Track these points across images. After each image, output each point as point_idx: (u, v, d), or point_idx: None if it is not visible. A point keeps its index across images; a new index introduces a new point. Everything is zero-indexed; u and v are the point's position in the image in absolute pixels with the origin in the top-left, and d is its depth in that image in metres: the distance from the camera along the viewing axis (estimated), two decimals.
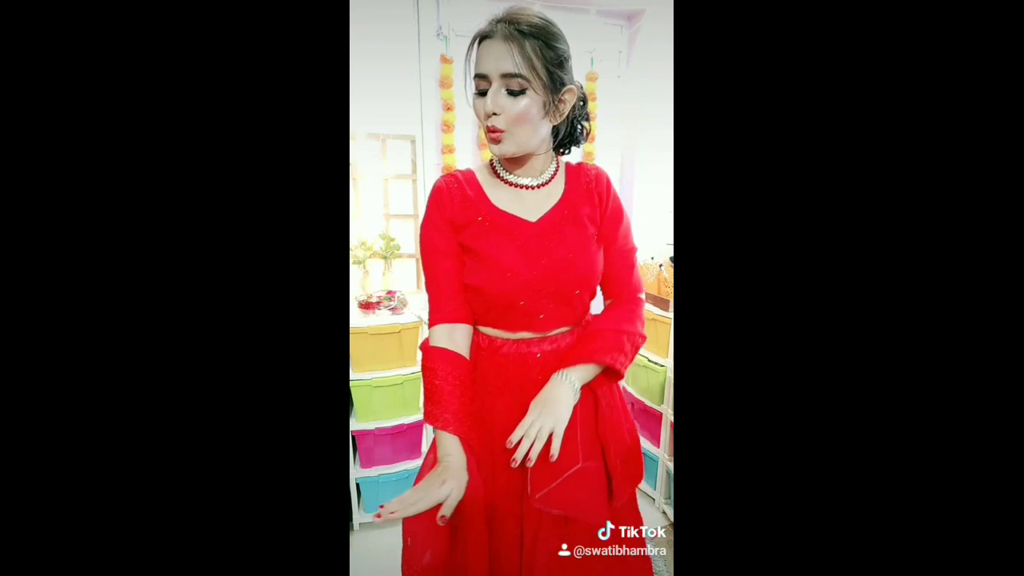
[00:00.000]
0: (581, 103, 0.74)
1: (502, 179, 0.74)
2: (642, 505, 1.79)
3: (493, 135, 0.66)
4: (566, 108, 0.69)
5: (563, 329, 0.76)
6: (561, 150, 0.77)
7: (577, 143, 0.77)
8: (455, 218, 0.71)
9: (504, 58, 0.62)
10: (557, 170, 0.76)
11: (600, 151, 2.02)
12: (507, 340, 0.74)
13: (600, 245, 0.75)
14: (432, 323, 0.74)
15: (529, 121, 0.65)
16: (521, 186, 0.73)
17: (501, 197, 0.73)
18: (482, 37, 0.65)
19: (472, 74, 0.66)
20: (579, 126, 0.76)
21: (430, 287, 0.74)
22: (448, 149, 1.78)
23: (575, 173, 0.77)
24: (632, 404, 1.82)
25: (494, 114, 0.64)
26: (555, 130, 0.73)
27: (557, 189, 0.75)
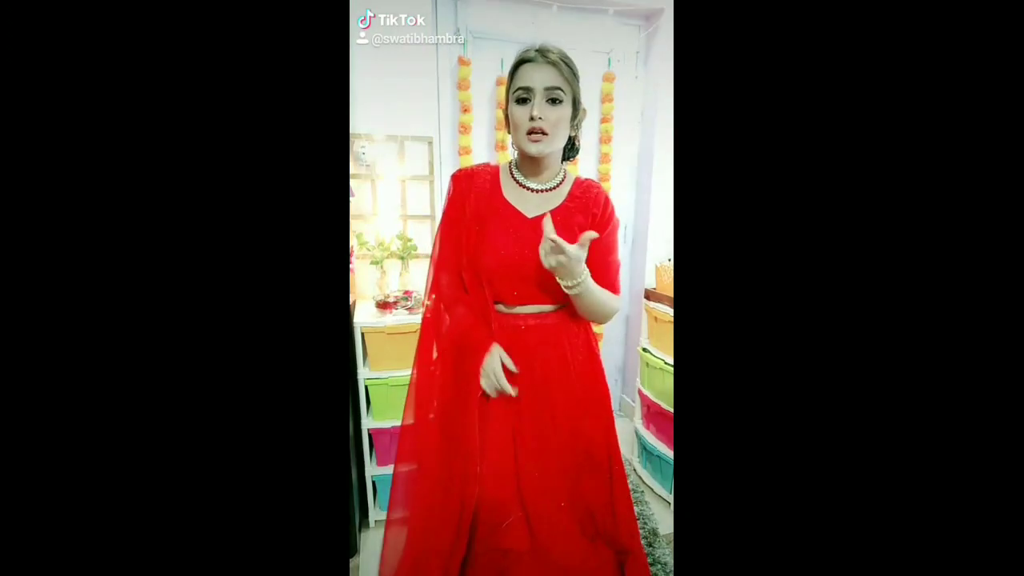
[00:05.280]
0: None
1: (515, 180, 0.94)
2: (658, 510, 1.77)
3: (534, 136, 0.83)
4: (578, 123, 0.90)
5: (541, 307, 0.92)
6: (565, 161, 0.95)
7: (576, 154, 0.96)
8: (474, 206, 0.91)
9: (548, 75, 0.82)
10: (563, 180, 0.93)
11: (617, 152, 2.01)
12: (501, 313, 0.92)
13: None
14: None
15: (563, 126, 0.85)
16: (528, 188, 0.92)
17: (511, 194, 0.93)
18: (522, 61, 0.83)
19: (515, 88, 0.83)
20: (576, 140, 0.94)
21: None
22: (465, 151, 1.79)
23: (580, 187, 0.93)
24: (648, 407, 1.81)
25: (539, 118, 0.82)
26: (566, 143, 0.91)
27: (558, 197, 0.92)
